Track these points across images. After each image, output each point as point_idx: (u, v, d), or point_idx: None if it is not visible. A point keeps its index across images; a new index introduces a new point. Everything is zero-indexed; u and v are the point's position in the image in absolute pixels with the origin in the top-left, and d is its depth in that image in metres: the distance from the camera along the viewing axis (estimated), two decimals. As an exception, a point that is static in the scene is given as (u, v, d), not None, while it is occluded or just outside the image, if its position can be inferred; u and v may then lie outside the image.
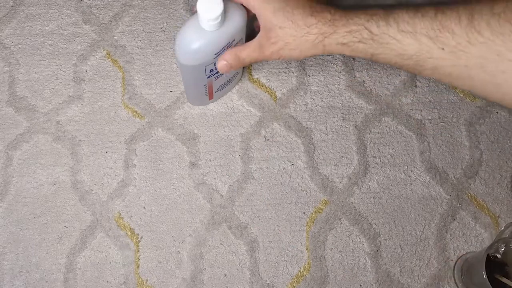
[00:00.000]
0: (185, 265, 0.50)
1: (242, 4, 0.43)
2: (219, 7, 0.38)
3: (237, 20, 0.42)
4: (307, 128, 0.55)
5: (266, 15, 0.41)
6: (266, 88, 0.56)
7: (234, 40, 0.43)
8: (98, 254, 0.51)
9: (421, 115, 0.56)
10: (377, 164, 0.54)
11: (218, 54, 0.43)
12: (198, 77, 0.47)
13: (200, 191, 0.53)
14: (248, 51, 0.43)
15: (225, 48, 0.43)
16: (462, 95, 0.57)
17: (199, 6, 0.38)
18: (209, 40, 0.41)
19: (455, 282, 0.49)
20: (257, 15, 0.42)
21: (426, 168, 0.53)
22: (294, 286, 0.50)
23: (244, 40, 0.46)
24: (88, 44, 0.59)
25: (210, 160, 0.54)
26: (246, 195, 0.53)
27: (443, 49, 0.35)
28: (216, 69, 0.45)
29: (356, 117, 0.55)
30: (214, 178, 0.53)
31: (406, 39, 0.37)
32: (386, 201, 0.52)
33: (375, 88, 0.57)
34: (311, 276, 0.50)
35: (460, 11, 0.34)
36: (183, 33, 0.41)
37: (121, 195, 0.53)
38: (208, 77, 0.47)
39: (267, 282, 0.50)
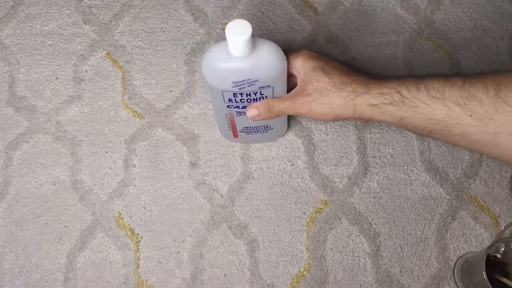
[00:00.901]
0: (185, 265, 0.50)
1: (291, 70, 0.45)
2: (246, 33, 0.37)
3: (267, 60, 0.40)
4: (307, 128, 0.55)
5: (305, 71, 0.43)
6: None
7: (258, 80, 0.41)
8: (98, 254, 0.51)
9: (421, 115, 0.56)
10: (377, 164, 0.54)
11: (237, 84, 0.41)
12: (217, 102, 0.45)
13: (200, 191, 0.53)
14: (280, 101, 0.44)
15: (246, 82, 0.41)
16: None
17: (228, 27, 0.37)
18: (230, 65, 0.40)
19: (455, 282, 0.49)
20: (298, 74, 0.44)
21: (426, 168, 0.53)
22: (294, 286, 0.50)
23: (279, 90, 0.45)
24: (88, 44, 0.59)
25: (210, 160, 0.54)
26: (246, 195, 0.53)
27: (471, 115, 0.37)
28: (235, 101, 0.44)
29: (356, 117, 0.55)
30: (214, 178, 0.53)
31: (436, 104, 0.38)
32: (386, 201, 0.52)
33: (375, 88, 0.56)
34: (311, 276, 0.50)
35: (487, 82, 0.36)
36: (211, 49, 0.41)
37: (121, 195, 0.53)
38: (227, 107, 0.46)
39: (267, 282, 0.50)
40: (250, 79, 0.41)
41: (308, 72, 0.43)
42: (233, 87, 0.42)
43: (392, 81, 0.41)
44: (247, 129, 0.50)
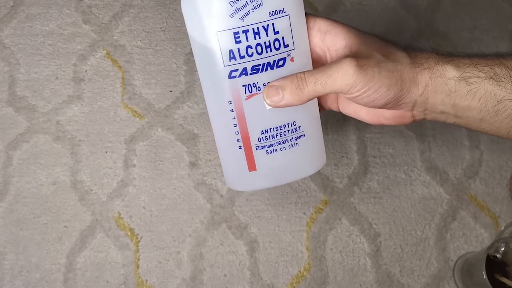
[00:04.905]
0: (185, 265, 0.50)
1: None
2: None
3: None
4: (307, 128, 0.55)
5: (350, 36, 0.32)
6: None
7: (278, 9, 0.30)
8: (98, 254, 0.51)
9: (421, 115, 0.56)
10: (377, 164, 0.54)
11: (237, 7, 0.30)
12: (214, 69, 0.32)
13: (200, 191, 0.53)
14: (315, 72, 0.31)
15: (248, 6, 0.30)
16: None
17: None
18: None
19: (455, 282, 0.49)
20: (329, 49, 0.33)
21: (426, 168, 0.53)
22: (294, 286, 0.50)
23: (298, 27, 0.32)
24: (88, 44, 0.59)
25: (210, 160, 0.54)
26: (246, 195, 0.53)
27: None
28: (240, 56, 0.31)
29: (356, 117, 0.55)
30: (214, 178, 0.53)
31: None
32: (386, 201, 0.52)
33: (375, 88, 0.56)
34: (311, 276, 0.50)
35: None
36: None
37: (121, 195, 0.53)
38: (230, 76, 0.31)
39: (267, 282, 0.50)
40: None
41: (357, 33, 0.32)
42: (232, 15, 0.30)
43: (484, 54, 0.31)
44: (266, 139, 0.34)
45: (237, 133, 0.33)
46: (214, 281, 0.50)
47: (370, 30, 0.61)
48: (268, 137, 0.34)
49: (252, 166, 0.34)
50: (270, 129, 0.33)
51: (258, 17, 0.30)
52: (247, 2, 0.30)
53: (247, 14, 0.30)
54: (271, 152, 0.34)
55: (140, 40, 0.59)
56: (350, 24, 0.53)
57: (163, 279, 0.50)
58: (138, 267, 0.50)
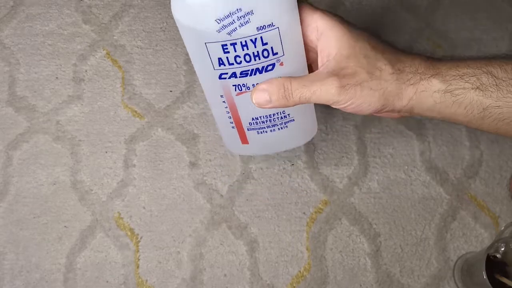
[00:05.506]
0: (185, 265, 0.50)
1: None
2: None
3: None
4: (307, 128, 0.55)
5: (342, 41, 0.32)
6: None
7: (253, 12, 0.29)
8: (98, 254, 0.51)
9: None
10: (377, 164, 0.54)
11: (224, 24, 0.29)
12: (205, 73, 0.34)
13: (200, 191, 0.53)
14: (303, 82, 0.32)
15: (236, 17, 0.29)
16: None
17: None
18: None
19: (455, 282, 0.49)
20: (323, 49, 0.32)
21: (426, 168, 0.53)
22: (294, 286, 0.50)
23: (289, 37, 0.32)
24: (88, 44, 0.59)
25: (210, 160, 0.54)
26: (246, 195, 0.53)
27: None
28: (229, 63, 0.32)
29: (356, 117, 0.55)
30: (214, 178, 0.53)
31: None
32: (386, 201, 0.52)
33: (375, 88, 0.56)
34: (311, 276, 0.50)
35: None
36: None
37: (121, 195, 0.53)
38: (220, 77, 0.33)
39: (267, 282, 0.50)
40: (240, 9, 0.29)
41: (349, 42, 0.32)
42: (219, 31, 0.30)
43: (472, 61, 0.31)
44: (256, 123, 0.37)
45: (230, 117, 0.37)
46: (214, 281, 0.50)
47: (370, 30, 0.61)
48: (258, 122, 0.37)
49: (244, 141, 0.39)
50: (260, 116, 0.37)
51: (246, 32, 0.30)
52: (233, 20, 0.29)
53: (234, 30, 0.30)
54: (261, 133, 0.38)
55: (140, 40, 0.59)
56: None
57: (163, 279, 0.50)
58: (138, 267, 0.50)
